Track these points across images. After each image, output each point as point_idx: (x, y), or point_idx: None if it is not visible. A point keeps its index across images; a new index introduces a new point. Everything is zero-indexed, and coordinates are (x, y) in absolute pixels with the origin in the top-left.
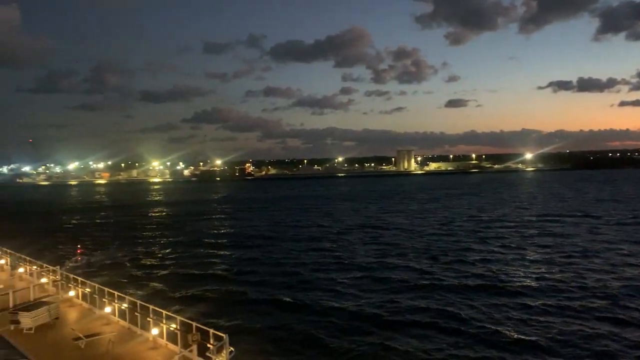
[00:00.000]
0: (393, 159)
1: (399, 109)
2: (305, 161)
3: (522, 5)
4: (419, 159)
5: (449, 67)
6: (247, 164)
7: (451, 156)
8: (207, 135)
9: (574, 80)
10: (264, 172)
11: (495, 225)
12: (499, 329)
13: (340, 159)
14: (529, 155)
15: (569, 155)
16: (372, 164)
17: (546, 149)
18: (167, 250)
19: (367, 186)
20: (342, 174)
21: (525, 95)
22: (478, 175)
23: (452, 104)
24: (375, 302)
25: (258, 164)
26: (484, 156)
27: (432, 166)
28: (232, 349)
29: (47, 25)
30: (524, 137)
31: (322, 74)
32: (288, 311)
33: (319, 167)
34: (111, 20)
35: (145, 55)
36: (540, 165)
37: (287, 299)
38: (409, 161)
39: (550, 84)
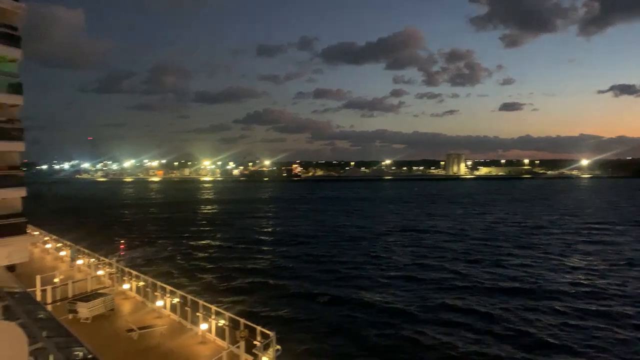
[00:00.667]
0: (442, 162)
1: (451, 111)
2: (353, 163)
3: (583, 6)
4: (469, 163)
5: (504, 70)
6: (295, 165)
7: (503, 161)
8: (258, 136)
9: (638, 83)
10: (310, 174)
11: (541, 231)
12: (532, 331)
13: (387, 161)
14: (585, 162)
15: (629, 162)
16: (421, 168)
17: (604, 155)
18: (217, 246)
19: (414, 190)
20: (389, 177)
21: (584, 99)
22: (530, 181)
23: (507, 107)
24: (416, 301)
25: (305, 165)
26: (537, 161)
27: (483, 171)
28: (278, 347)
29: (110, 28)
30: (581, 142)
31: (372, 76)
32: (334, 311)
33: (366, 170)
34: (170, 24)
35: (201, 58)
36: (597, 172)
37: (334, 299)
38: (458, 165)
39: (612, 88)
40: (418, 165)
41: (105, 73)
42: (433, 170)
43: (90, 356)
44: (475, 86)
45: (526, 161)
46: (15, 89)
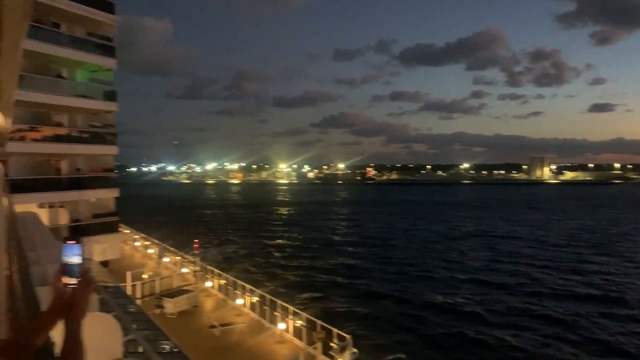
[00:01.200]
0: (525, 166)
1: (535, 113)
2: (429, 167)
3: None
4: (553, 167)
5: (593, 69)
6: (369, 168)
7: (591, 165)
8: (333, 139)
9: None
10: (385, 177)
11: (627, 239)
12: (609, 339)
13: (466, 165)
14: None
15: None
16: (502, 171)
17: None
18: (292, 246)
19: (493, 194)
20: (468, 181)
21: None
22: (620, 187)
23: (597, 108)
24: (489, 304)
25: (380, 169)
26: (630, 166)
27: (568, 175)
28: (355, 350)
29: (195, 37)
30: None
31: (452, 77)
32: (409, 314)
33: (443, 173)
34: (252, 32)
35: (280, 64)
36: None
37: (408, 302)
38: (542, 169)
39: None
40: (499, 169)
41: (190, 80)
42: (515, 175)
43: (176, 350)
44: (562, 87)
45: (617, 165)
46: (110, 96)
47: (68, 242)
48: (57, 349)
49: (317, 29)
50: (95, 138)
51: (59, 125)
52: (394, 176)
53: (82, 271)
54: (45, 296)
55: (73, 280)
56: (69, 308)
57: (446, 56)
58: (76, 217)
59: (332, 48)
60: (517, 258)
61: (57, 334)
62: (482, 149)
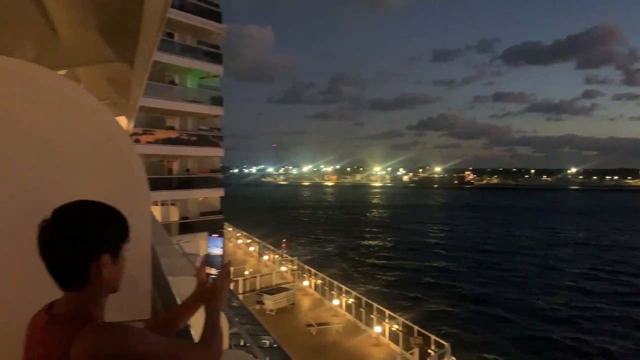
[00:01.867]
0: None
1: None
2: (533, 171)
3: None
4: None
5: None
6: (467, 172)
7: None
8: (430, 142)
9: None
10: (484, 181)
11: None
12: None
13: (573, 169)
14: None
15: None
16: (615, 177)
17: None
18: (386, 248)
19: (604, 201)
20: (575, 187)
21: None
22: None
23: None
24: (591, 312)
25: (479, 172)
26: None
27: None
28: (454, 358)
29: (295, 43)
30: None
31: (560, 77)
32: (508, 322)
33: (549, 178)
34: (350, 36)
35: (377, 66)
36: None
37: (507, 308)
38: None
39: None
40: (612, 175)
41: (289, 85)
42: (630, 181)
43: (275, 345)
44: None
45: None
46: (217, 101)
47: (213, 235)
48: (196, 334)
49: (416, 30)
50: (203, 141)
51: (171, 128)
52: (494, 180)
53: (222, 262)
54: (174, 285)
55: (213, 271)
56: (210, 296)
57: (554, 54)
58: (185, 214)
59: (431, 49)
60: (624, 267)
61: (195, 320)
62: (594, 153)
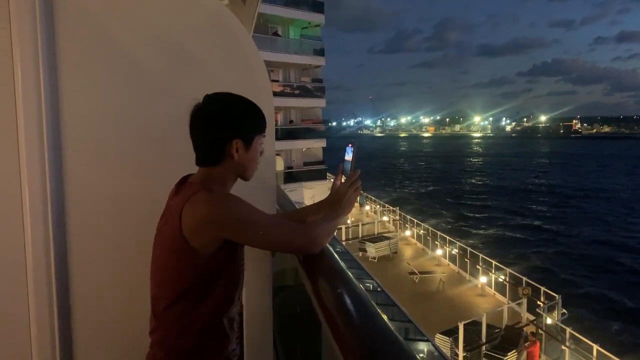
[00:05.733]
0: None
1: None
2: None
3: None
4: None
5: None
6: (574, 121)
7: None
8: (543, 89)
9: None
10: (594, 130)
11: None
12: None
13: None
14: None
15: None
16: None
17: None
18: (488, 200)
19: None
20: None
21: None
22: None
23: None
24: None
25: (589, 121)
26: None
27: None
28: (564, 310)
29: None
30: None
31: None
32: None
33: None
34: None
35: (487, 9)
36: None
37: (621, 264)
38: None
39: None
40: None
41: (392, 34)
42: None
43: (379, 289)
44: None
45: None
46: (319, 51)
47: (349, 144)
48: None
49: None
50: (306, 92)
51: (275, 81)
52: (606, 129)
53: (352, 168)
54: None
55: (343, 179)
56: (333, 201)
57: None
58: (289, 164)
59: None
60: None
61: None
62: None
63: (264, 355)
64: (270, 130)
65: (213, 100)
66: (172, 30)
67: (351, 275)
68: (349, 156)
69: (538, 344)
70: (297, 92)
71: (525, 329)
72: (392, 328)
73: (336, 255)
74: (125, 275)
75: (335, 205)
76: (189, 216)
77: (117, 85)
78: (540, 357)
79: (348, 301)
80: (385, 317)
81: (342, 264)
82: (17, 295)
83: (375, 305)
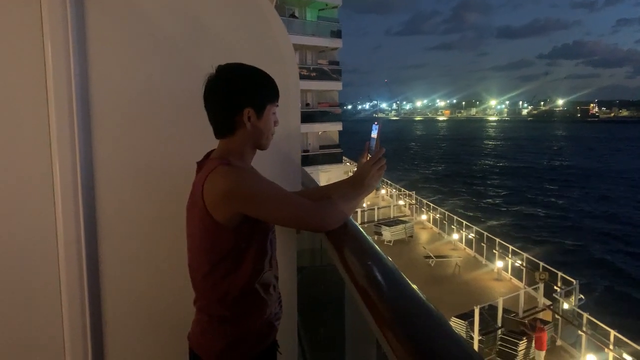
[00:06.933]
0: None
1: None
2: None
3: None
4: None
5: None
6: (592, 105)
7: None
8: (563, 71)
9: None
10: (612, 114)
11: None
12: None
13: None
14: None
15: None
16: None
17: None
18: (504, 183)
19: None
20: None
21: None
22: None
23: None
24: None
25: (607, 105)
26: None
27: None
28: (582, 296)
29: None
30: None
31: None
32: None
33: None
34: None
35: None
36: None
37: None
38: None
39: None
40: None
41: (409, 16)
42: None
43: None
44: None
45: None
46: (336, 33)
47: (375, 122)
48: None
49: None
50: (322, 74)
51: None
52: (624, 113)
53: (377, 146)
54: None
55: (368, 157)
56: (356, 179)
57: None
58: (305, 147)
59: None
60: None
61: None
62: None
63: (289, 333)
64: (294, 104)
65: (223, 70)
66: (199, 3)
67: (378, 248)
68: (374, 134)
69: (545, 332)
70: (313, 74)
71: (540, 314)
72: (423, 296)
73: (362, 230)
74: (155, 253)
75: (358, 183)
76: (209, 192)
77: (146, 59)
78: (555, 342)
79: (378, 273)
80: (415, 286)
81: (368, 238)
82: (48, 275)
83: (404, 275)
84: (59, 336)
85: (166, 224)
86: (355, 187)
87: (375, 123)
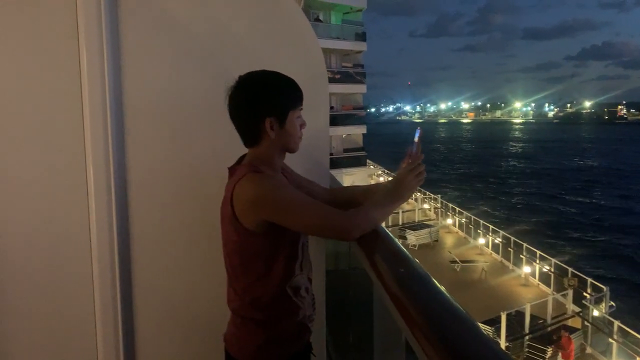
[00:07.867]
0: None
1: None
2: None
3: None
4: None
5: None
6: (619, 106)
7: None
8: (592, 73)
9: None
10: None
11: None
12: None
13: None
14: None
15: None
16: None
17: None
18: (526, 186)
19: None
20: None
21: None
22: None
23: None
24: None
25: (637, 106)
26: None
27: None
28: (612, 303)
29: None
30: None
31: None
32: None
33: None
34: None
35: None
36: None
37: None
38: None
39: None
40: None
41: (434, 17)
42: None
43: None
44: None
45: None
46: (361, 36)
47: (418, 127)
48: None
49: None
50: (347, 77)
51: None
52: None
53: (417, 149)
54: None
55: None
56: (392, 187)
57: None
58: (329, 151)
59: None
60: None
61: None
62: None
63: (318, 335)
64: (324, 109)
65: (243, 81)
66: (230, 10)
67: (409, 254)
68: (416, 138)
69: (573, 342)
70: (338, 77)
71: (569, 321)
72: (457, 304)
73: (392, 236)
74: (188, 256)
75: (393, 190)
76: (237, 199)
77: (177, 65)
78: (585, 350)
79: (411, 280)
80: (448, 294)
81: (399, 243)
82: (81, 279)
83: (437, 283)
84: (91, 341)
85: (198, 227)
86: (390, 193)
87: (418, 128)
